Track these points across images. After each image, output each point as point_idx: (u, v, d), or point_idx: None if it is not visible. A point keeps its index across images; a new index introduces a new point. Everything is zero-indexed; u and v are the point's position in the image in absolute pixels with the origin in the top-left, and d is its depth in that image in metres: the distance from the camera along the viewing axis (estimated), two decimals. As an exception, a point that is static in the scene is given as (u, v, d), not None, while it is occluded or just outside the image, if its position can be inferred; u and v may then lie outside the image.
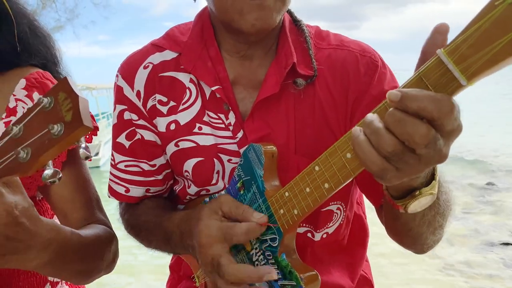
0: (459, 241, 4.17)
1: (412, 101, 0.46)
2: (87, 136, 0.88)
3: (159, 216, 0.86)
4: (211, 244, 0.68)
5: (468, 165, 7.82)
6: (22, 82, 0.85)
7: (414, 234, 0.72)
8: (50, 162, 0.52)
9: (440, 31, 0.49)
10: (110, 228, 0.87)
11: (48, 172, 0.52)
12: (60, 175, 0.53)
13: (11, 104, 0.84)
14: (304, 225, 0.85)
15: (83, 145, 0.52)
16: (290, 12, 0.88)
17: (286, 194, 0.70)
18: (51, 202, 0.87)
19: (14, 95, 0.84)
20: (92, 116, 0.70)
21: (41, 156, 0.48)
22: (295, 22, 0.87)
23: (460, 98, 0.49)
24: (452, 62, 0.46)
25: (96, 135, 0.90)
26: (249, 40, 0.80)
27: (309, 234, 0.86)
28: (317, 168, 0.64)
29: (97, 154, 10.01)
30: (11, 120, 0.83)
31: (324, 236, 0.87)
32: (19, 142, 0.50)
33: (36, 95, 0.85)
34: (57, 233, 0.65)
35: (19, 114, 0.83)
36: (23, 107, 0.84)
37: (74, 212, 0.85)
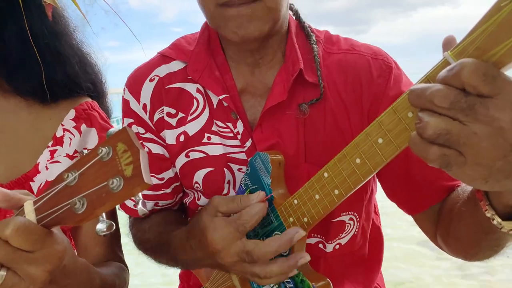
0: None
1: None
2: None
3: (164, 233, 0.85)
4: (229, 243, 0.66)
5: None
6: (72, 113, 0.87)
7: (498, 249, 0.65)
8: (104, 214, 0.50)
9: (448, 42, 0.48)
10: (126, 266, 0.88)
11: (102, 226, 0.50)
12: (114, 227, 0.51)
13: (59, 133, 0.85)
14: (315, 235, 0.83)
15: (141, 202, 0.49)
16: (298, 17, 0.86)
17: (295, 202, 0.69)
18: (75, 234, 0.88)
19: (62, 125, 0.86)
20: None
21: (97, 209, 0.46)
22: (302, 27, 0.85)
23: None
24: None
25: None
26: (247, 48, 0.79)
27: (320, 245, 0.84)
28: (326, 174, 0.64)
29: None
30: (56, 149, 0.84)
31: (337, 247, 0.85)
32: (74, 191, 0.48)
33: (83, 127, 0.87)
34: (88, 274, 0.65)
35: (65, 144, 0.85)
36: (70, 138, 0.85)
37: (96, 247, 0.86)
